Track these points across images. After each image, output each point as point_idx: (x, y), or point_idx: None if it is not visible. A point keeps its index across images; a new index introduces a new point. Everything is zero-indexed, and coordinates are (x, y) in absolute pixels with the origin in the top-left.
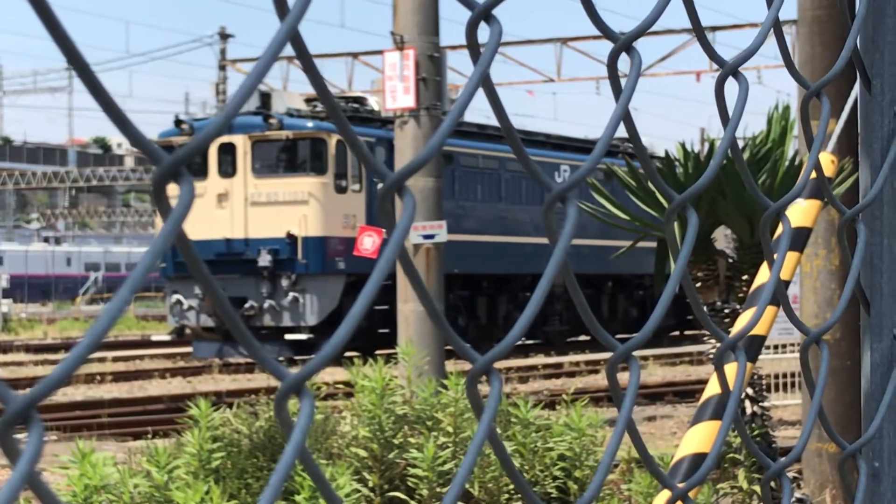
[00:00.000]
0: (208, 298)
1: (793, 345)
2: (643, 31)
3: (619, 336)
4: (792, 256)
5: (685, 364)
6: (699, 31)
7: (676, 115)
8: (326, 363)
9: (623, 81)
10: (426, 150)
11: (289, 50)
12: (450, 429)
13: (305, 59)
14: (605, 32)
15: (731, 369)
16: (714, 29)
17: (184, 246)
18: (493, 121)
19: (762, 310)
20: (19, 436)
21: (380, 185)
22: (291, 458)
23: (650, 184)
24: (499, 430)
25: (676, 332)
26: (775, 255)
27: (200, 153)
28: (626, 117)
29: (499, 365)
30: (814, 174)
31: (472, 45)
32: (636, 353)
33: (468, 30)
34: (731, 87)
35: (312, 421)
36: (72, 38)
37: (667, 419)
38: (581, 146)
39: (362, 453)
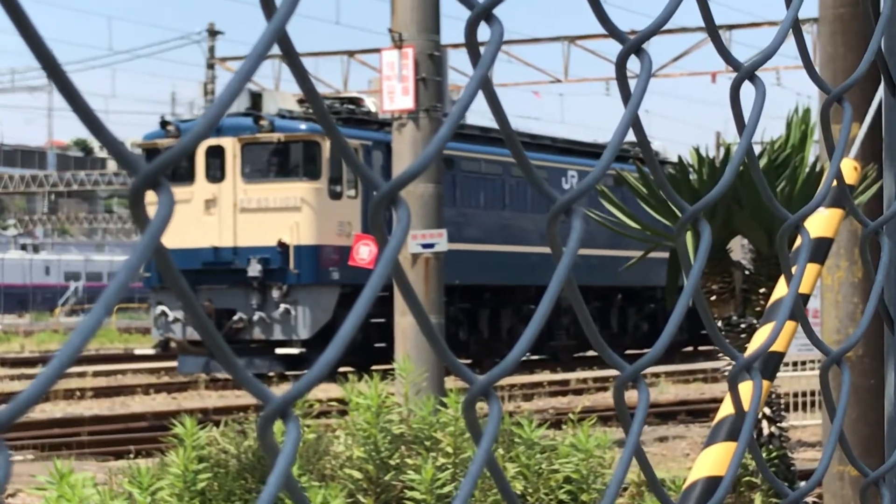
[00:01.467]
0: (187, 315)
1: (812, 361)
2: (653, 32)
3: (629, 352)
4: (812, 269)
5: (699, 381)
6: (713, 32)
7: (691, 118)
8: (314, 384)
9: (632, 84)
10: (421, 159)
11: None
12: (449, 449)
13: (294, 61)
14: (614, 33)
15: (746, 389)
16: (731, 27)
17: (163, 261)
18: (496, 123)
19: (780, 327)
20: None
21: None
22: (276, 488)
23: (662, 191)
24: (501, 452)
25: (690, 348)
26: (793, 269)
27: (183, 159)
28: (635, 123)
29: (502, 382)
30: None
31: (472, 46)
32: (646, 371)
33: (468, 30)
34: (746, 90)
35: (299, 447)
36: (41, 35)
37: (679, 440)
38: (589, 150)
39: (357, 475)
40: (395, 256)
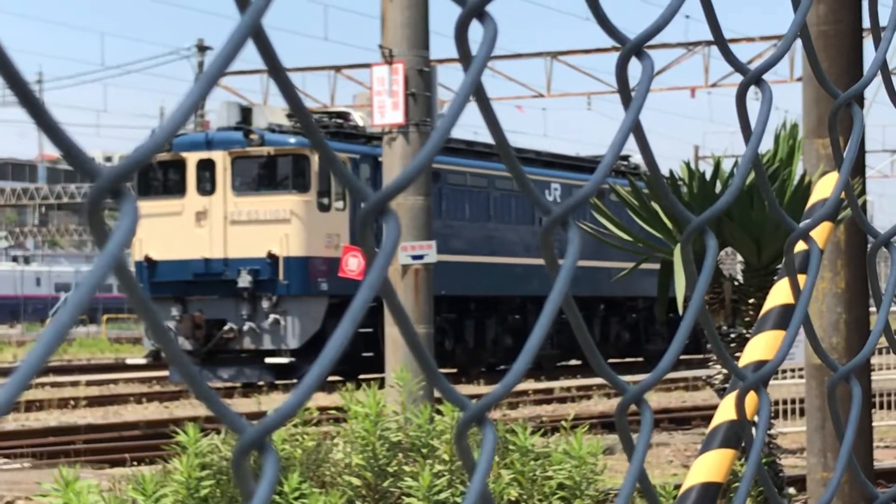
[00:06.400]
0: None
1: (793, 370)
2: (656, 32)
3: (610, 361)
4: (804, 280)
5: (680, 390)
6: (719, 37)
7: (669, 131)
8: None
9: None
10: (413, 166)
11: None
12: (445, 456)
13: (280, 76)
14: (613, 34)
15: (750, 401)
16: (710, 44)
17: (124, 277)
18: (481, 137)
19: (791, 338)
20: None
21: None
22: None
23: (654, 203)
24: (496, 459)
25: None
26: (785, 279)
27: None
28: (636, 129)
29: (488, 389)
30: (825, 195)
31: (463, 48)
32: (626, 380)
33: (458, 29)
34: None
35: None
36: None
37: (663, 447)
38: (572, 164)
39: (356, 482)
40: (384, 269)
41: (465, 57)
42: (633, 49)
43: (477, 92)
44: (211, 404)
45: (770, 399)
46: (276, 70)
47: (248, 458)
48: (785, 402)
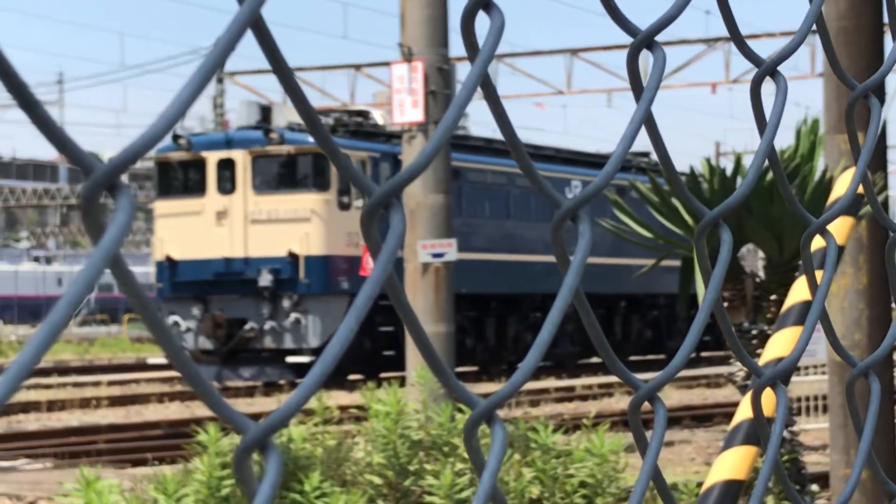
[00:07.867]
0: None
1: (815, 367)
2: (667, 23)
3: (632, 358)
4: (821, 275)
5: (701, 387)
6: (733, 30)
7: (690, 128)
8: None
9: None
10: (419, 160)
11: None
12: (466, 455)
13: (280, 65)
14: (624, 25)
15: (768, 399)
16: (729, 39)
17: (120, 273)
18: (500, 135)
19: (808, 335)
20: None
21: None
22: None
23: (675, 200)
24: (518, 457)
25: (692, 354)
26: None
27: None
28: (648, 121)
29: None
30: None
31: (470, 40)
32: (650, 376)
33: (464, 21)
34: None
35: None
36: None
37: (685, 444)
38: (592, 161)
39: (377, 480)
40: (388, 264)
41: (471, 49)
42: (644, 41)
43: (484, 84)
44: (210, 402)
45: (787, 396)
46: (275, 59)
47: (251, 457)
48: (808, 399)
